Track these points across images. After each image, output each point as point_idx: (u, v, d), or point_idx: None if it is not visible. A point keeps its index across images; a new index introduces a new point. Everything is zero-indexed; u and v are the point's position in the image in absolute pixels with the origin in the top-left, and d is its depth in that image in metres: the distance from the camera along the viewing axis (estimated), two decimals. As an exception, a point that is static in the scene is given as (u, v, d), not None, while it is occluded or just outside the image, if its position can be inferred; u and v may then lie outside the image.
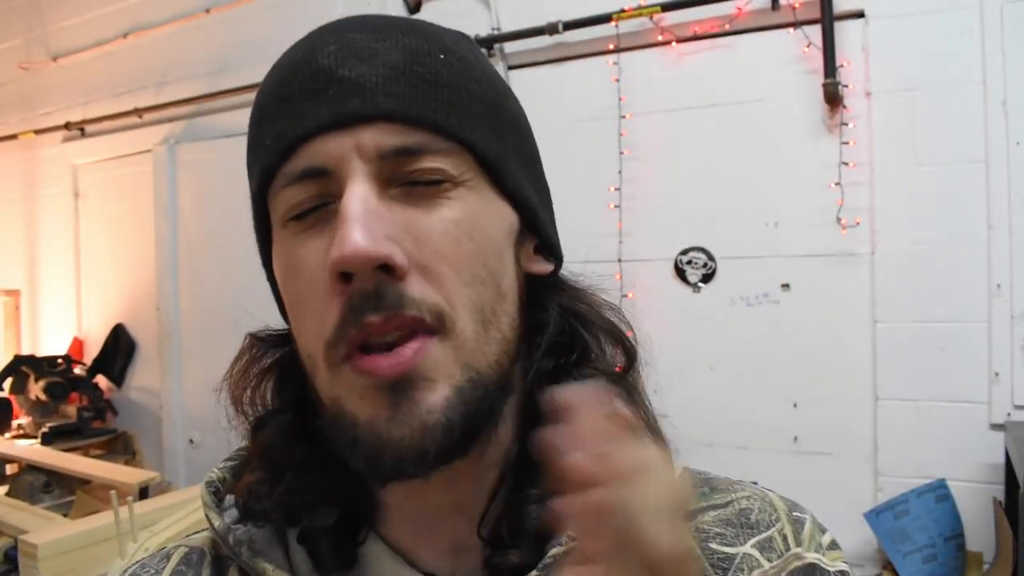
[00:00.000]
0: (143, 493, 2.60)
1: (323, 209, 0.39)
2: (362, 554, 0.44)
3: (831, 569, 0.46)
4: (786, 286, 2.41)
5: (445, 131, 0.39)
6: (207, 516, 0.45)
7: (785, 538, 0.46)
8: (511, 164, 0.43)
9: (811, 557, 0.46)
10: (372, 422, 0.37)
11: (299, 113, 0.38)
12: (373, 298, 0.37)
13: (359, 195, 0.37)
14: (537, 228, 0.46)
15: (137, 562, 0.50)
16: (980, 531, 2.11)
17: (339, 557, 0.43)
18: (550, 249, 0.48)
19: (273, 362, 0.47)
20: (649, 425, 0.45)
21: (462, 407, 0.38)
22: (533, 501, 0.41)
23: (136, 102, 3.86)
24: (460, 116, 0.40)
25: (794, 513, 0.48)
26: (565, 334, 0.45)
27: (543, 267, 0.47)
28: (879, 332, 2.28)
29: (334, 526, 0.43)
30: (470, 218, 0.40)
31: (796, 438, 2.39)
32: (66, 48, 4.23)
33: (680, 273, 2.56)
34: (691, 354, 2.52)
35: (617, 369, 0.47)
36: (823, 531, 0.48)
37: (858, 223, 2.29)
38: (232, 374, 0.47)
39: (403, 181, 0.39)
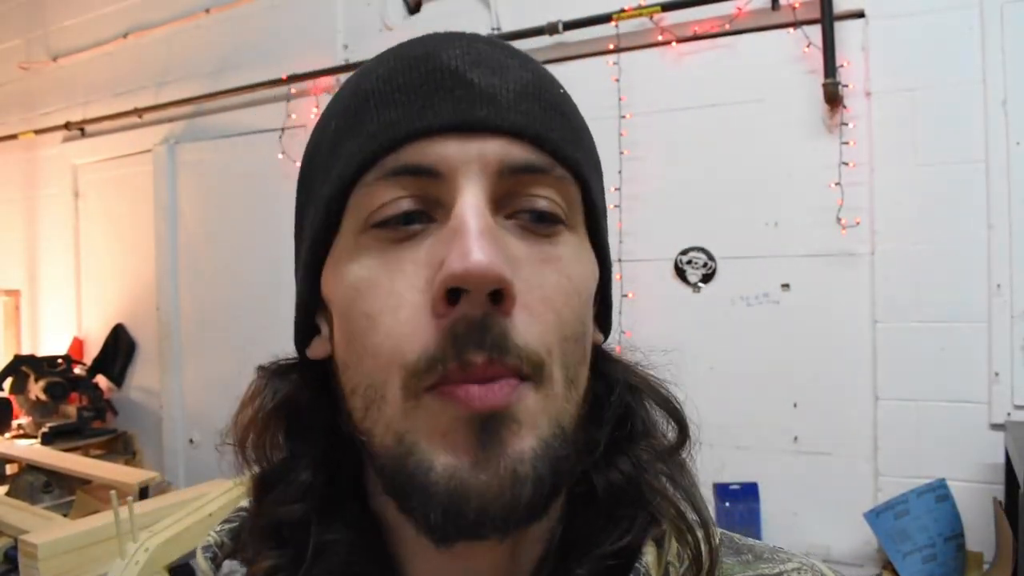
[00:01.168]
0: (143, 493, 2.60)
1: (421, 223, 0.35)
2: None
3: None
4: (786, 286, 2.41)
5: (571, 160, 0.37)
6: None
7: None
8: (604, 219, 0.42)
9: None
10: (454, 467, 0.33)
11: (419, 106, 0.35)
12: (479, 330, 0.33)
13: (477, 207, 0.34)
14: (605, 293, 0.43)
15: None
16: (980, 531, 2.11)
17: None
18: (607, 318, 0.45)
19: (284, 398, 0.41)
20: (694, 505, 0.41)
21: (550, 462, 0.34)
22: None
23: (136, 102, 3.86)
24: (580, 151, 0.39)
25: None
26: (624, 408, 0.43)
27: (599, 337, 0.44)
28: (879, 332, 2.27)
29: None
30: (579, 272, 0.38)
31: (796, 438, 2.39)
32: (66, 48, 4.23)
33: (680, 273, 2.56)
34: (691, 354, 2.52)
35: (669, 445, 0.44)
36: None
37: (858, 223, 2.29)
38: (241, 416, 0.42)
39: (515, 210, 0.36)
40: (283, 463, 0.40)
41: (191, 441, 3.73)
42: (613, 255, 2.47)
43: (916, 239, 2.22)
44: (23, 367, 3.89)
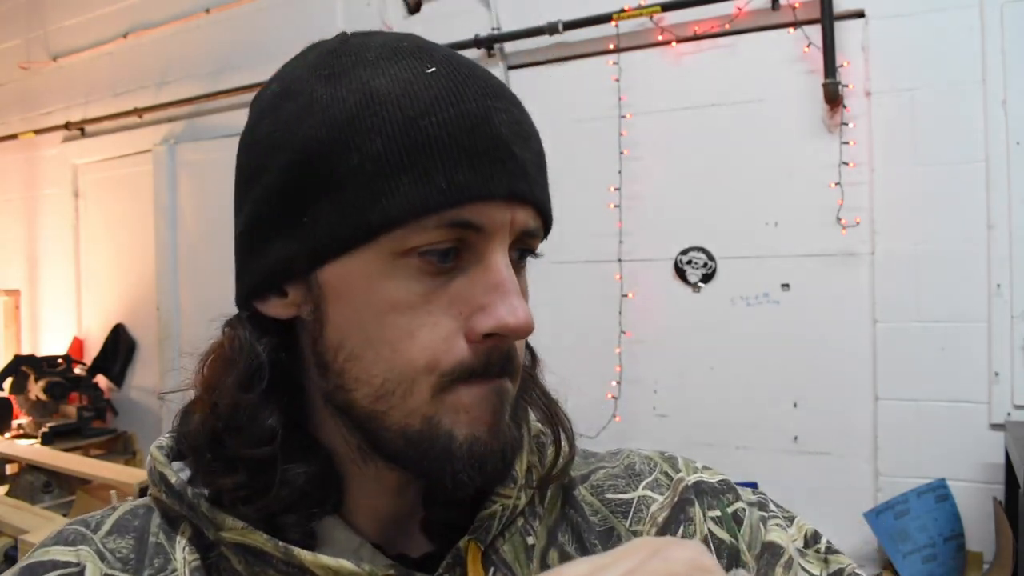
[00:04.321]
0: (143, 493, 2.59)
1: (456, 261, 0.44)
2: (319, 525, 0.47)
3: (713, 480, 0.57)
4: (786, 286, 2.41)
5: (549, 224, 0.49)
6: (162, 473, 0.47)
7: (667, 473, 0.57)
8: None
9: (693, 478, 0.56)
10: (475, 435, 0.44)
11: (486, 176, 0.42)
12: (507, 358, 0.45)
13: (507, 265, 0.44)
14: None
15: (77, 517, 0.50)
16: (980, 531, 2.11)
17: (303, 532, 0.46)
18: None
19: (266, 355, 0.47)
20: (552, 410, 0.52)
21: (513, 425, 0.48)
22: None
23: (136, 102, 3.87)
24: (551, 207, 0.49)
25: (666, 454, 0.59)
26: None
27: None
28: (879, 332, 2.28)
29: (289, 506, 0.45)
30: None
31: (796, 438, 2.39)
32: (66, 48, 4.23)
33: (680, 273, 2.56)
34: (691, 354, 2.53)
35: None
36: (695, 461, 0.59)
37: (858, 223, 2.29)
38: (211, 366, 0.49)
39: (512, 249, 0.46)
40: (249, 409, 0.45)
41: (191, 441, 3.73)
42: (613, 255, 2.48)
43: (916, 239, 2.22)
44: (23, 367, 3.89)
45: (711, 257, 2.52)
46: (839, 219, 2.31)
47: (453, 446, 0.43)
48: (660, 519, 0.53)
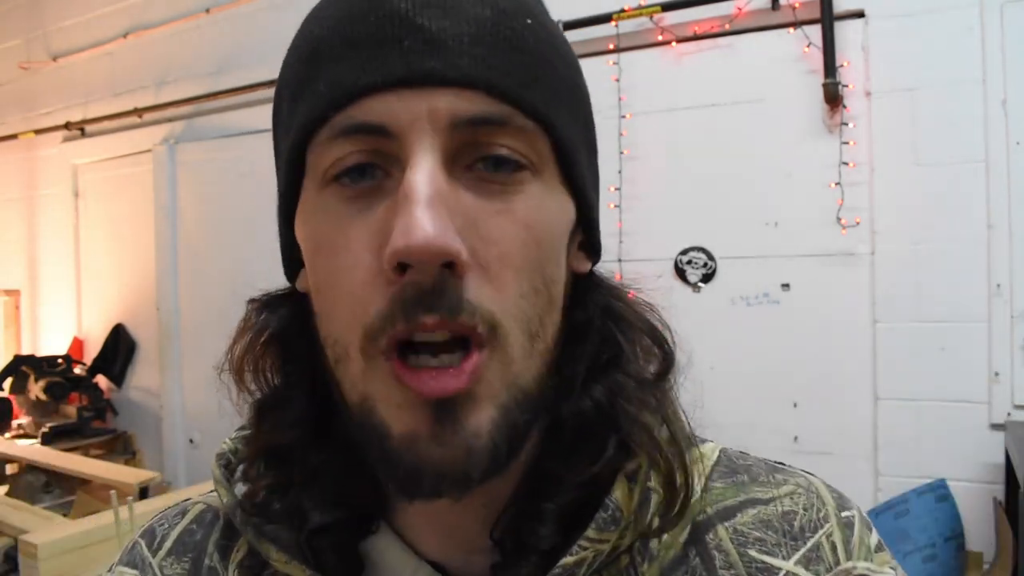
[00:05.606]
0: (143, 493, 2.60)
1: (375, 179, 0.35)
2: (372, 543, 0.42)
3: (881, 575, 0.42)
4: (786, 286, 2.41)
5: (529, 107, 0.36)
6: (217, 492, 0.44)
7: (834, 546, 0.42)
8: (582, 152, 0.40)
9: (861, 567, 0.41)
10: (410, 437, 0.34)
11: (365, 60, 0.34)
12: (429, 295, 0.33)
13: (427, 171, 0.33)
14: (589, 223, 0.42)
15: (161, 513, 0.49)
16: (980, 531, 2.11)
17: (346, 561, 0.41)
18: (594, 245, 0.44)
19: (275, 331, 0.42)
20: (672, 434, 0.41)
21: (508, 429, 0.35)
22: (548, 518, 0.38)
23: (136, 102, 3.87)
24: (544, 92, 0.37)
25: (843, 513, 0.43)
26: (602, 337, 0.42)
27: (585, 264, 0.43)
28: (879, 332, 2.28)
29: (342, 525, 0.40)
30: (541, 220, 0.36)
31: (796, 438, 2.39)
32: (66, 48, 4.23)
33: (680, 273, 2.56)
34: (691, 354, 2.52)
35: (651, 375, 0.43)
36: (870, 529, 0.44)
37: (858, 223, 2.29)
38: (234, 348, 0.43)
39: (474, 159, 0.35)
40: (277, 390, 0.42)
41: (191, 441, 3.73)
42: (613, 255, 2.47)
43: (916, 239, 2.22)
44: (23, 367, 3.90)
45: (711, 257, 2.52)
46: (839, 219, 2.31)
47: (387, 446, 0.35)
48: None
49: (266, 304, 0.44)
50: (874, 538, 0.43)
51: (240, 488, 0.43)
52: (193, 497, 0.50)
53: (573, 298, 0.41)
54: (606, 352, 0.42)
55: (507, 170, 0.35)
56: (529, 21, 0.37)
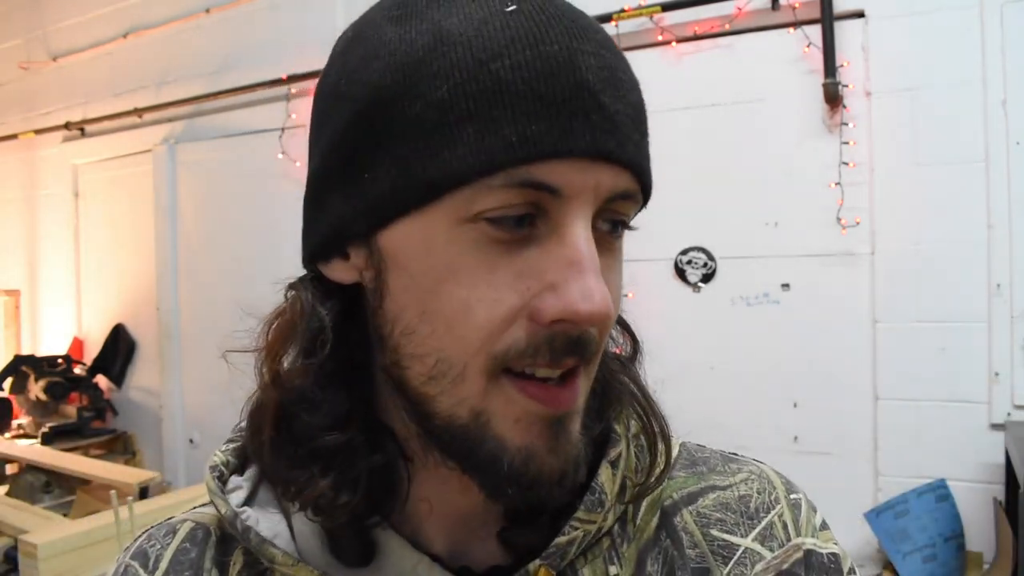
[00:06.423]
0: (143, 493, 2.60)
1: (531, 227, 0.38)
2: (375, 535, 0.44)
3: (824, 551, 0.47)
4: (786, 286, 2.41)
5: (649, 185, 0.43)
6: (213, 504, 0.45)
7: (785, 525, 0.48)
8: None
9: (808, 543, 0.47)
10: (529, 450, 0.38)
11: (563, 129, 0.37)
12: (576, 344, 0.38)
13: (586, 237, 0.38)
14: None
15: (145, 532, 0.49)
16: (980, 531, 2.11)
17: (362, 548, 0.43)
18: None
19: (332, 324, 0.43)
20: (653, 411, 0.47)
21: (584, 433, 0.41)
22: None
23: (136, 102, 3.87)
24: (650, 168, 0.43)
25: (791, 496, 0.49)
26: None
27: None
28: (879, 332, 2.28)
29: (360, 512, 0.42)
30: (623, 268, 0.45)
31: (796, 438, 2.39)
32: (66, 48, 4.23)
33: (680, 273, 2.56)
34: (691, 354, 2.52)
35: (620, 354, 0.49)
36: (814, 510, 0.50)
37: (858, 223, 2.29)
38: (272, 330, 0.44)
39: (600, 219, 0.40)
40: (314, 389, 0.42)
41: (191, 441, 3.73)
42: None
43: (916, 239, 2.22)
44: (23, 367, 3.90)
45: (711, 257, 2.52)
46: (839, 219, 2.31)
47: (503, 457, 0.38)
48: None
49: (315, 295, 0.44)
50: (819, 518, 0.49)
51: (236, 497, 0.45)
52: (176, 516, 0.50)
53: None
54: None
55: (619, 231, 0.43)
56: (641, 91, 0.44)
